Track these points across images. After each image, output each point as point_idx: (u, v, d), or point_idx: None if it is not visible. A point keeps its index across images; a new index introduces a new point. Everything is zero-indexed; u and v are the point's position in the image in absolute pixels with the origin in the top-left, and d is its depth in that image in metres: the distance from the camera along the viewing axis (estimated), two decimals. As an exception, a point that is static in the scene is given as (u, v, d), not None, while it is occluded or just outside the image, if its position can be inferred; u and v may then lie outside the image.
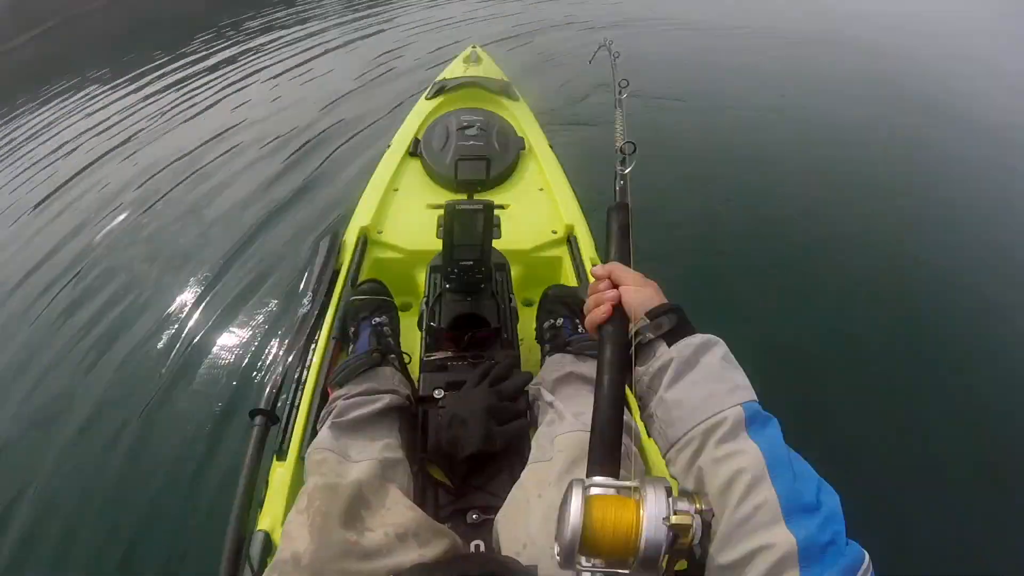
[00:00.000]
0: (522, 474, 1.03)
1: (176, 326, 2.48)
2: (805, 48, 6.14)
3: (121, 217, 3.22)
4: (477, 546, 1.01)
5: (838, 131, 4.39)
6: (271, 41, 5.75)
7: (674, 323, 0.70)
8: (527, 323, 1.67)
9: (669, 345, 0.69)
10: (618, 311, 0.74)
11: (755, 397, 0.65)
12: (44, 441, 2.10)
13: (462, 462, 1.14)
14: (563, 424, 1.05)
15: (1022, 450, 2.13)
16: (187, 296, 2.63)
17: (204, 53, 5.50)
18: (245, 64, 5.20)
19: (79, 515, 1.87)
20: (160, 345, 2.39)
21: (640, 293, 0.74)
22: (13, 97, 5.32)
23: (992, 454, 2.13)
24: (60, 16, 7.87)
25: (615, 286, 0.76)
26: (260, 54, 5.41)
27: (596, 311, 0.75)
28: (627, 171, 0.89)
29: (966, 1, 8.87)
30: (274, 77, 4.94)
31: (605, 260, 0.84)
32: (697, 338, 0.69)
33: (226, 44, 5.68)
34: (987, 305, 2.80)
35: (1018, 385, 2.38)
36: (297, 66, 5.14)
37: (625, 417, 0.71)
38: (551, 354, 1.34)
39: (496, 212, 1.87)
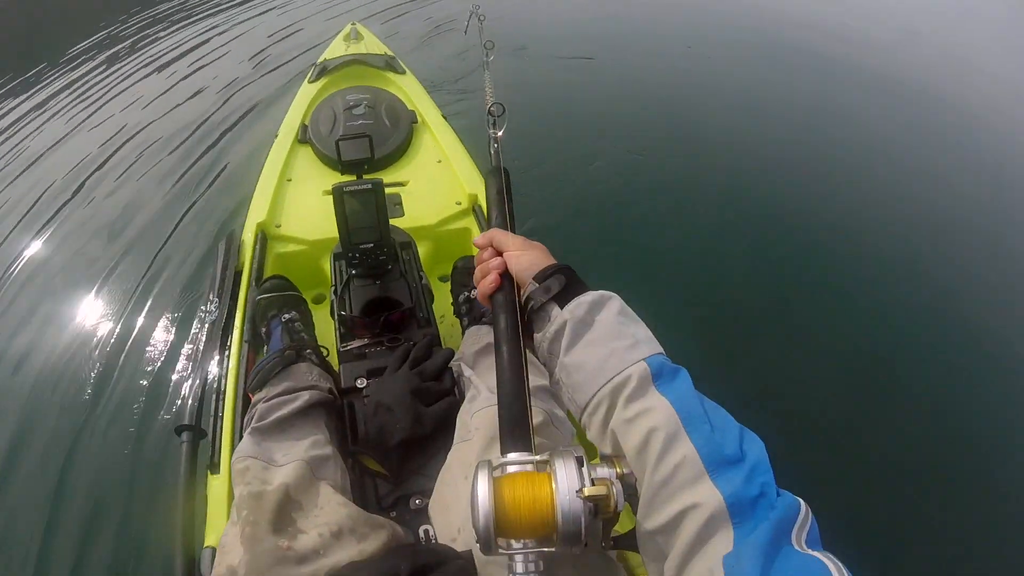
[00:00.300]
0: (448, 457, 1.02)
1: (88, 345, 2.34)
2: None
3: (20, 235, 3.01)
4: (426, 531, 1.00)
5: (726, 81, 4.56)
6: (159, 34, 5.46)
7: (563, 284, 0.67)
8: (445, 299, 1.66)
9: (561, 307, 0.66)
10: (506, 279, 0.71)
11: (660, 349, 0.62)
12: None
13: (394, 449, 1.12)
14: (480, 400, 1.04)
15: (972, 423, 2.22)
16: (96, 312, 2.49)
17: (94, 53, 5.16)
18: (133, 61, 4.92)
19: (9, 547, 1.77)
20: (74, 366, 2.25)
21: (525, 257, 0.71)
22: None
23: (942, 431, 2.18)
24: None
25: (500, 253, 0.73)
26: (148, 49, 5.13)
27: (484, 282, 0.71)
28: (499, 133, 0.86)
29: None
30: (167, 65, 4.73)
31: (488, 227, 0.79)
32: (589, 296, 0.66)
33: (113, 43, 5.36)
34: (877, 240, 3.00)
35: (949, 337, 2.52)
36: (185, 53, 4.92)
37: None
38: (469, 327, 1.33)
39: (396, 190, 1.81)
